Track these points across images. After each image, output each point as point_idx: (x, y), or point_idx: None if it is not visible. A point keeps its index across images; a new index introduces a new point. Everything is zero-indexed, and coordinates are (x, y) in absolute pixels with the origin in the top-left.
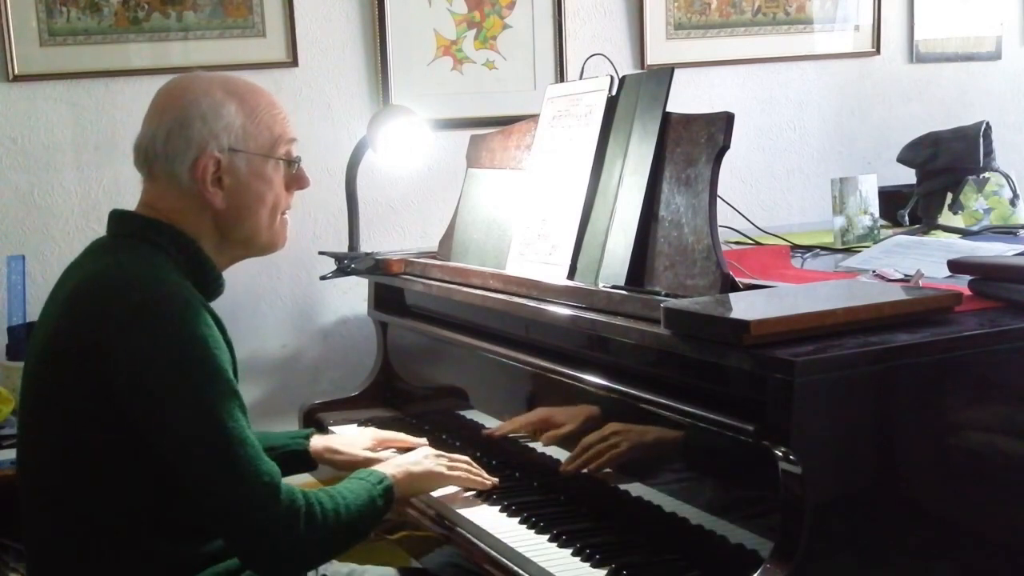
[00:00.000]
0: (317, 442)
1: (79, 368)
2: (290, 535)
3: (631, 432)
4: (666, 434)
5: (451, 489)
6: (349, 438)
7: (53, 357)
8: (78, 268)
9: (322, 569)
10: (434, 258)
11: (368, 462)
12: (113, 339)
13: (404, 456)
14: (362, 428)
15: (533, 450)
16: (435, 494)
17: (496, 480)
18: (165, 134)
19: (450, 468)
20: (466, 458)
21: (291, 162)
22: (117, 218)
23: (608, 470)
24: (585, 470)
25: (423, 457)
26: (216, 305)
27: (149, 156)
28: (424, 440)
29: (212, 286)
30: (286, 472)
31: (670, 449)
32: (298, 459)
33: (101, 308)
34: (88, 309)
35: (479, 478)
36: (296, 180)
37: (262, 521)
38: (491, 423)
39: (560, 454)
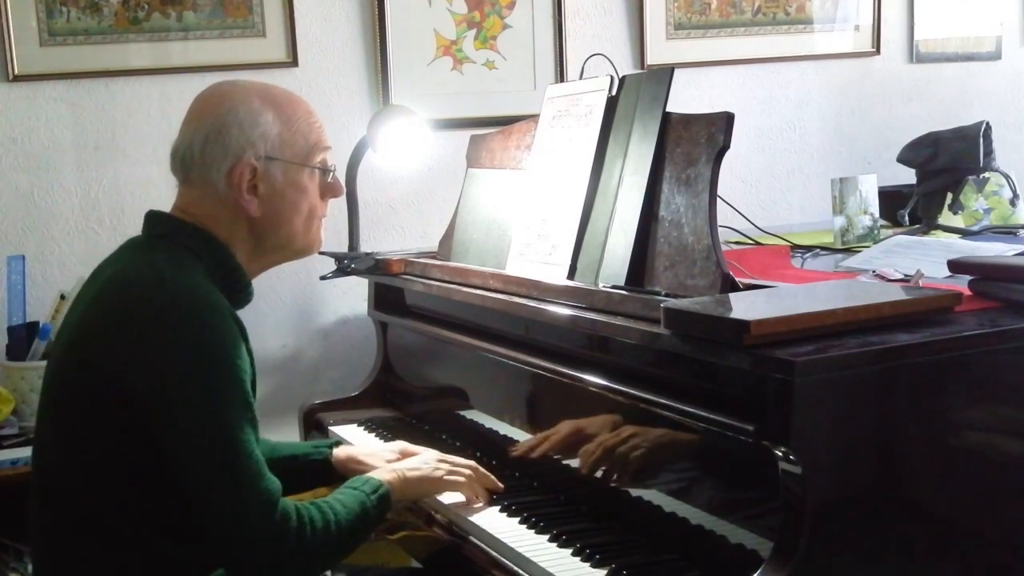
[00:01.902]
0: (340, 452)
1: (102, 366)
2: (278, 553)
3: (641, 435)
4: (666, 434)
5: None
6: (373, 449)
7: (78, 351)
8: (111, 265)
9: None
10: (434, 258)
11: None
12: (138, 337)
13: (404, 461)
14: (389, 441)
15: (532, 450)
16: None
17: (501, 486)
18: (202, 140)
19: (449, 473)
20: (471, 463)
21: (326, 171)
22: (153, 218)
23: (613, 472)
24: (610, 479)
25: (422, 462)
26: None
27: (186, 162)
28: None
29: (241, 294)
30: (307, 484)
31: (670, 449)
32: (319, 469)
33: (129, 307)
34: (117, 308)
35: (477, 487)
36: (330, 188)
37: (252, 535)
38: (491, 423)
39: (564, 457)
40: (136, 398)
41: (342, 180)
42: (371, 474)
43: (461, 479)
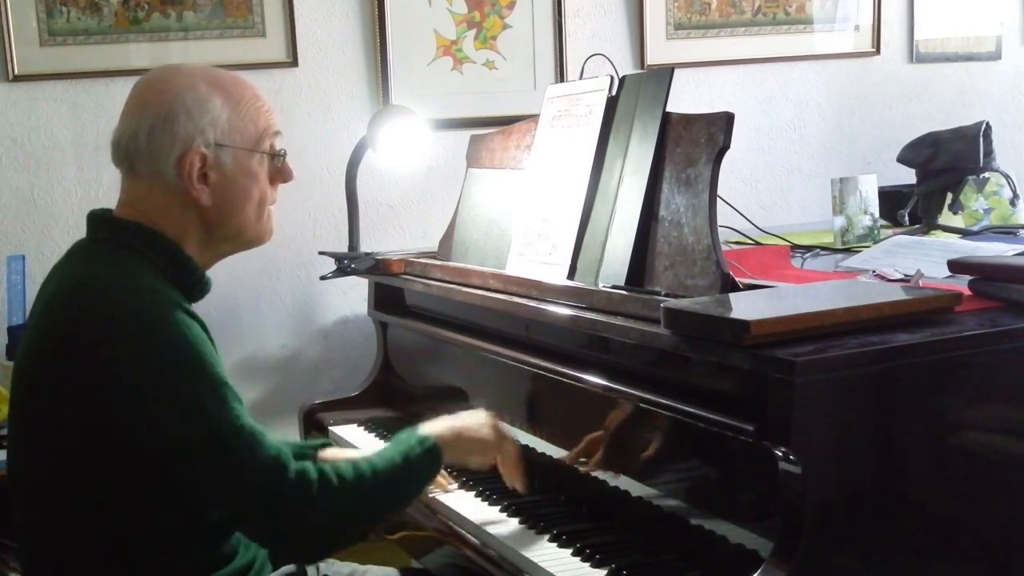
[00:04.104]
0: (329, 454)
1: (56, 378)
2: (306, 510)
3: (641, 435)
4: (666, 434)
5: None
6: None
7: (35, 366)
8: (57, 274)
9: (323, 568)
10: (434, 258)
11: None
12: (91, 352)
13: (458, 418)
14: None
15: (533, 449)
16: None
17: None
18: (148, 130)
19: (500, 442)
20: (516, 448)
21: (276, 155)
22: (94, 221)
23: (613, 472)
24: (610, 479)
25: (479, 424)
26: (216, 305)
27: (131, 153)
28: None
29: (196, 287)
30: None
31: (670, 449)
32: None
33: (75, 322)
34: (63, 322)
35: (518, 472)
36: (280, 173)
37: (273, 504)
38: None
39: (559, 454)
40: (102, 409)
41: (311, 173)
42: (420, 426)
43: (508, 455)
